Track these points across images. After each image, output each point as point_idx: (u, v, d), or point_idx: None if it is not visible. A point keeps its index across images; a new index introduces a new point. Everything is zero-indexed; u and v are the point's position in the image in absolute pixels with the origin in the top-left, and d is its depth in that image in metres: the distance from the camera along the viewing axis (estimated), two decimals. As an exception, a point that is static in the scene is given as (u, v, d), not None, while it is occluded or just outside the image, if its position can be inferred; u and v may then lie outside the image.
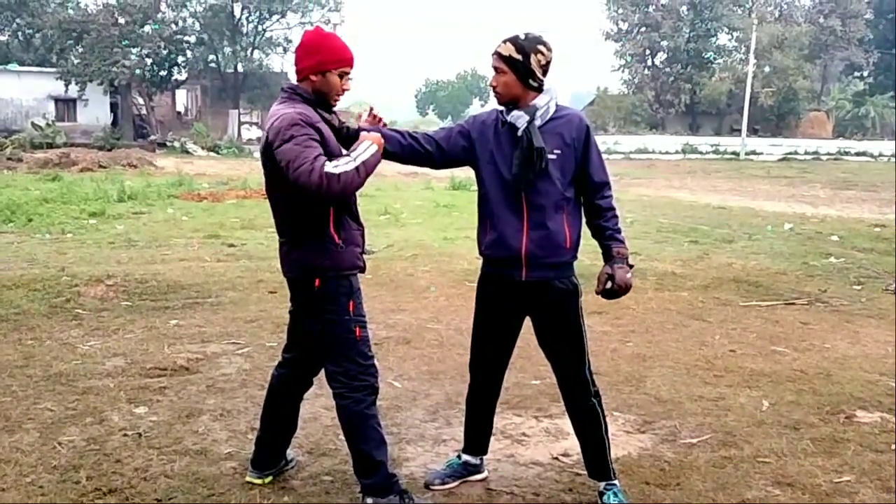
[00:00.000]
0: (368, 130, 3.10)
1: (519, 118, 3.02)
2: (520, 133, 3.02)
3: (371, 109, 3.25)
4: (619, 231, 3.15)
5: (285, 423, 3.38)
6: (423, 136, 3.18)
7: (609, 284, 3.10)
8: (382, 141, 3.00)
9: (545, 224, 3.05)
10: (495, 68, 3.04)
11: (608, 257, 3.13)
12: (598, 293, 3.15)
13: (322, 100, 3.01)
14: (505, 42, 3.01)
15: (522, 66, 2.98)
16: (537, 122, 3.02)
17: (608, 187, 3.16)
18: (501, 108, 3.11)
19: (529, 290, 3.12)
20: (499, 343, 3.28)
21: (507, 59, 2.99)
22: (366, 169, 2.84)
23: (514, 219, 3.06)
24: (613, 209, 3.16)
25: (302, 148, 2.77)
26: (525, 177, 3.00)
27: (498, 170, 3.08)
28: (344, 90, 3.04)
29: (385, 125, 3.22)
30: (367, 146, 2.90)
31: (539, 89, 3.04)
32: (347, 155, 2.86)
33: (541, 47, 2.99)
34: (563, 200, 3.07)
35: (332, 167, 2.75)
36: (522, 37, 3.00)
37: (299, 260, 3.03)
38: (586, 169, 3.10)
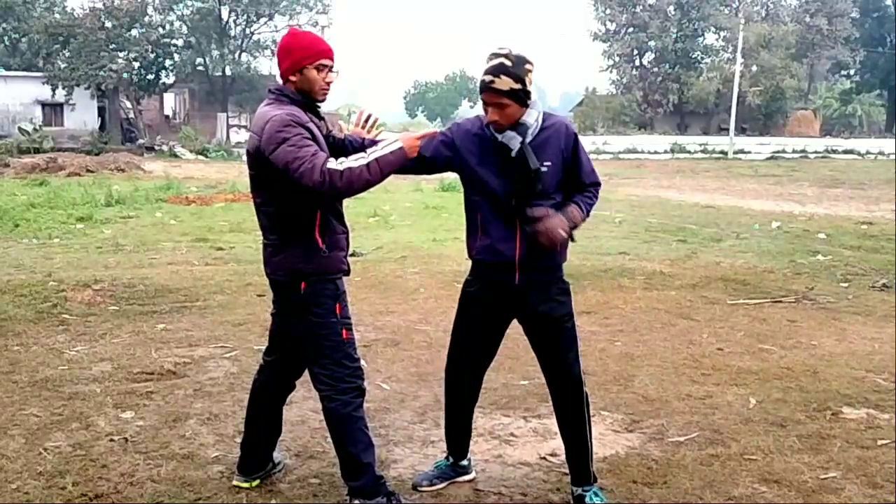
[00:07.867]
0: (361, 138, 3.10)
1: (512, 139, 2.97)
2: (514, 154, 2.98)
3: (369, 114, 3.17)
4: (587, 206, 3.12)
5: (269, 427, 3.37)
6: None
7: (540, 226, 2.95)
8: (415, 143, 2.90)
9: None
10: (496, 104, 2.93)
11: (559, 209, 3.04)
12: (524, 226, 3.01)
13: (308, 98, 2.99)
14: (497, 76, 2.88)
15: (523, 92, 2.92)
16: (528, 139, 2.99)
17: (598, 187, 3.19)
18: (483, 115, 3.05)
19: (523, 294, 3.11)
20: (485, 346, 3.28)
21: (508, 93, 2.90)
22: (379, 165, 2.79)
23: (507, 225, 3.05)
24: (594, 196, 3.16)
25: (298, 148, 2.76)
26: (524, 198, 2.98)
27: (487, 181, 3.05)
28: (327, 83, 3.00)
29: (380, 130, 3.18)
30: (390, 142, 2.86)
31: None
32: (364, 152, 2.83)
33: (528, 66, 2.93)
34: (554, 206, 3.06)
35: (335, 163, 2.74)
36: (510, 63, 2.89)
37: (283, 263, 3.02)
38: (577, 174, 3.10)
